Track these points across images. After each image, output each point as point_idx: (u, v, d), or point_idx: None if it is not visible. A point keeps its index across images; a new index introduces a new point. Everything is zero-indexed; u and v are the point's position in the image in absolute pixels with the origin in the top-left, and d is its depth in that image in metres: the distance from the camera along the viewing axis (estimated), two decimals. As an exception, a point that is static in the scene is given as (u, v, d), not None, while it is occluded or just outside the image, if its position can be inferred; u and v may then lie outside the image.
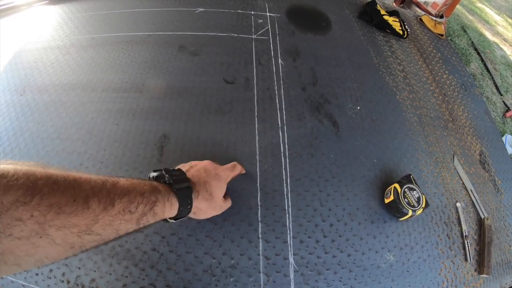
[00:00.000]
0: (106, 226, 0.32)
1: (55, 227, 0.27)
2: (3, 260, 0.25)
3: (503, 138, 2.12)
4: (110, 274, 0.48)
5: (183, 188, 0.42)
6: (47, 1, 0.99)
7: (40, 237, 0.26)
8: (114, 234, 0.33)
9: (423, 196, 0.59)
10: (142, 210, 0.35)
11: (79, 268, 0.48)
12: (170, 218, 0.42)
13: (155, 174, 0.43)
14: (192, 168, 0.47)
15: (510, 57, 3.40)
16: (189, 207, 0.42)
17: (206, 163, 0.49)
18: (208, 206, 0.46)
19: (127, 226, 0.34)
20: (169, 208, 0.39)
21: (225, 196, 0.52)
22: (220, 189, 0.48)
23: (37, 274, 0.48)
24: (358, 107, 0.77)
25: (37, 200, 0.26)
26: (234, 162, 0.55)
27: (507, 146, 2.03)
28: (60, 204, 0.28)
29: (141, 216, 0.35)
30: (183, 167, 0.48)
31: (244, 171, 0.58)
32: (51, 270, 0.48)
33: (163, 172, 0.42)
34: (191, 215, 0.45)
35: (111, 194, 0.33)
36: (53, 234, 0.27)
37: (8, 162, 0.28)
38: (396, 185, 0.60)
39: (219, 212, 0.50)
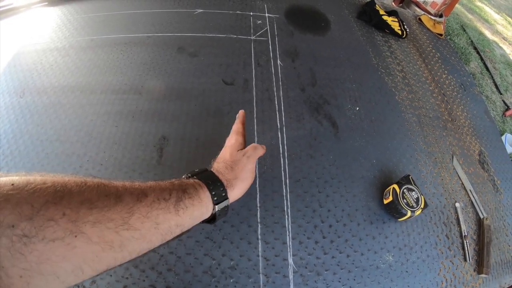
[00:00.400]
0: (144, 218, 0.30)
1: (89, 223, 0.26)
2: (39, 270, 0.23)
3: (503, 137, 2.11)
4: (111, 275, 0.48)
5: (199, 172, 0.41)
6: (46, 3, 0.99)
7: (75, 236, 0.25)
8: (154, 230, 0.31)
9: (422, 196, 0.59)
10: (176, 195, 0.34)
11: (79, 270, 0.48)
12: (214, 205, 0.39)
13: None
14: (219, 159, 0.48)
15: (510, 56, 3.40)
16: (219, 184, 0.40)
17: (230, 151, 0.48)
18: (236, 169, 0.44)
19: (166, 216, 0.32)
20: (200, 189, 0.37)
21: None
22: (227, 150, 0.47)
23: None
24: (357, 108, 0.77)
25: (67, 198, 0.25)
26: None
27: (507, 145, 2.02)
28: (92, 200, 0.27)
29: (177, 202, 0.34)
30: None
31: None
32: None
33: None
34: (231, 190, 0.41)
35: (141, 186, 0.32)
36: (89, 231, 0.25)
37: (34, 174, 0.27)
38: (395, 186, 0.60)
39: (252, 162, 0.46)
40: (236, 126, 0.52)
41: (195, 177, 0.40)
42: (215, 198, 0.38)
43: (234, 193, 0.42)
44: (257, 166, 0.62)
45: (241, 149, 0.47)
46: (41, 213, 0.23)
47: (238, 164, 0.44)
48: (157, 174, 0.59)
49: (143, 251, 0.31)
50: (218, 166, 0.44)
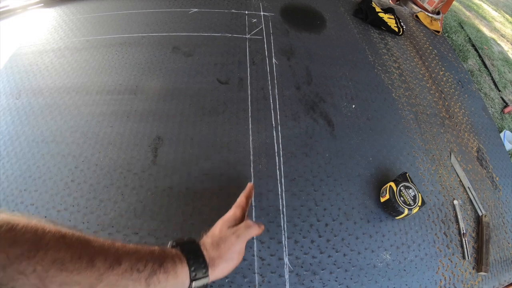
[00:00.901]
0: (111, 286, 0.30)
1: (56, 283, 0.27)
2: None
3: (502, 134, 2.10)
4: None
5: (185, 242, 0.40)
6: (42, 4, 0.99)
7: None
8: None
9: (419, 194, 0.59)
10: (151, 267, 0.33)
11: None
12: (192, 281, 0.37)
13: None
14: (209, 233, 0.44)
15: (508, 52, 3.39)
16: (201, 260, 0.38)
17: (219, 226, 0.44)
18: (222, 247, 0.40)
19: (135, 287, 0.32)
20: (179, 263, 0.36)
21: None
22: (219, 224, 0.44)
23: None
24: (353, 106, 0.76)
25: (41, 254, 0.26)
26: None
27: (506, 142, 2.02)
28: (64, 260, 0.27)
29: (151, 275, 0.33)
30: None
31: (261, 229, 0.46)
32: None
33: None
34: (212, 270, 0.38)
35: (119, 251, 0.32)
36: None
37: (18, 216, 0.28)
38: (392, 184, 0.59)
39: (242, 242, 0.42)
40: (239, 200, 0.48)
41: (179, 247, 0.39)
42: (194, 274, 0.37)
43: (215, 273, 0.39)
44: (251, 165, 0.62)
45: (235, 225, 0.44)
46: (14, 266, 0.25)
47: (225, 242, 0.41)
48: (152, 174, 0.59)
49: None
50: (206, 240, 0.41)
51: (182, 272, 0.36)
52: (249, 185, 0.51)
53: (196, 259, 0.37)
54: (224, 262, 0.40)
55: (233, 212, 0.45)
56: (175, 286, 0.35)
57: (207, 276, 0.37)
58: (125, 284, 0.31)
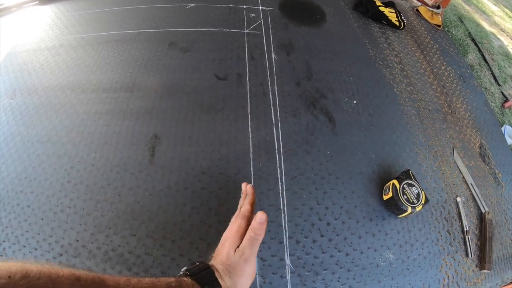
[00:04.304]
0: None
1: None
2: None
3: (502, 129, 2.10)
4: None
5: (199, 270, 0.38)
6: (37, 2, 0.97)
7: None
8: None
9: (423, 192, 0.58)
10: None
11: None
12: None
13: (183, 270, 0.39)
14: (218, 256, 0.42)
15: (508, 47, 3.36)
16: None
17: (227, 250, 0.42)
18: (234, 276, 0.40)
19: None
20: None
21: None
22: (225, 248, 0.42)
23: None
24: (355, 101, 0.75)
25: None
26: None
27: (506, 137, 2.01)
28: None
29: None
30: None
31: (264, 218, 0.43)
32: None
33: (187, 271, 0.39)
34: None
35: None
36: None
37: (30, 262, 0.28)
38: (395, 181, 0.58)
39: (251, 265, 0.41)
40: (244, 208, 0.44)
41: (194, 276, 0.37)
42: None
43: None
44: (251, 163, 0.60)
45: (240, 241, 0.42)
46: None
47: (235, 270, 0.40)
48: (149, 174, 0.58)
49: None
50: (218, 267, 0.40)
51: None
52: (251, 189, 0.47)
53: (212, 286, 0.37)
54: (246, 279, 0.40)
55: (238, 224, 0.42)
56: None
57: None
58: None
